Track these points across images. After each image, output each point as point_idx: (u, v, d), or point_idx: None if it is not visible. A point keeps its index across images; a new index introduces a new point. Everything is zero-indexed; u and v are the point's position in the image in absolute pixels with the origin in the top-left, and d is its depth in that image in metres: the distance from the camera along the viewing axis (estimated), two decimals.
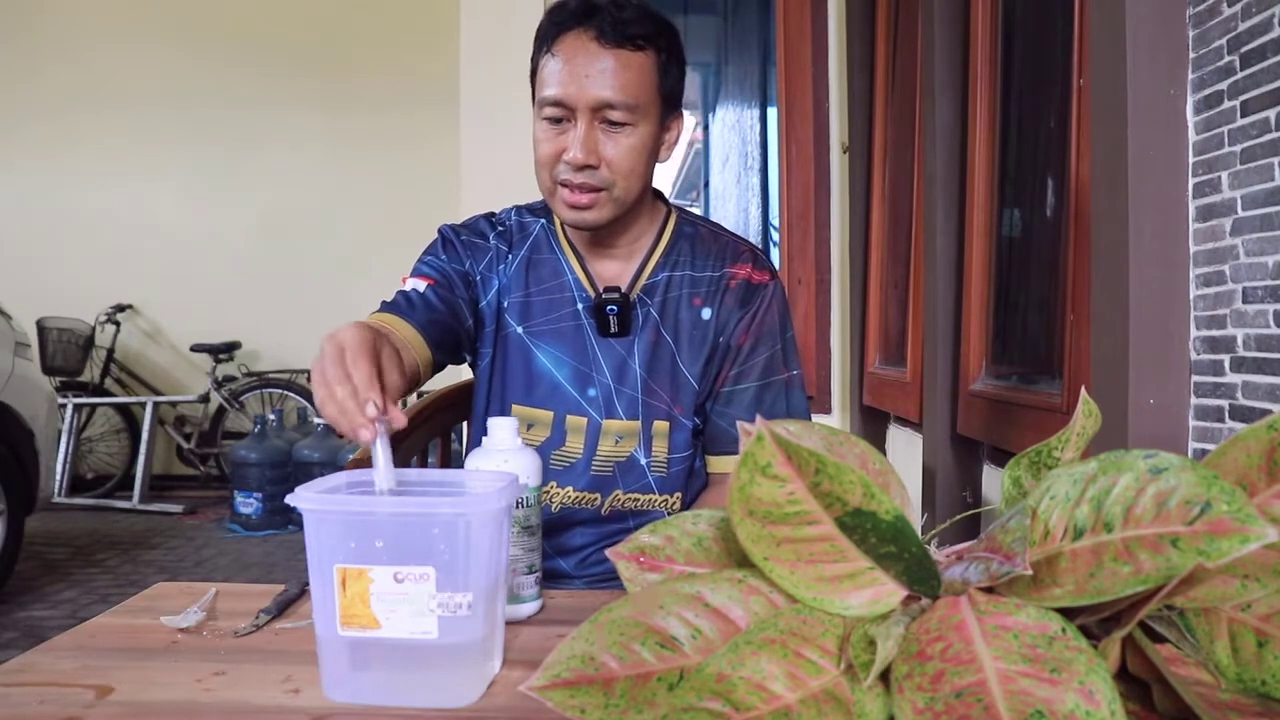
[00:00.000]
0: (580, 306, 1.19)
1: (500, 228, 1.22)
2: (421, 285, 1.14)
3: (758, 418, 0.55)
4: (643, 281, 1.19)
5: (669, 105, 1.13)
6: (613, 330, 1.17)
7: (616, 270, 1.20)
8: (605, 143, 1.08)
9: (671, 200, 1.28)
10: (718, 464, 1.21)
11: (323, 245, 5.58)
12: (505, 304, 1.19)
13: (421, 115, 5.37)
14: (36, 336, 4.92)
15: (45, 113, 5.62)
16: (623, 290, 1.17)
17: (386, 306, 1.12)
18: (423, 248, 1.23)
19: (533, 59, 1.13)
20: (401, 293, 1.14)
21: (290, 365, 5.47)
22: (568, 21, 1.08)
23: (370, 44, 5.55)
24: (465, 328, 1.17)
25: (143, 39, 5.62)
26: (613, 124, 1.07)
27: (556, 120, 1.08)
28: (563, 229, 1.21)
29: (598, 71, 1.05)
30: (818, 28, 2.78)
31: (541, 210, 1.24)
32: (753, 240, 3.29)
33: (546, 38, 1.10)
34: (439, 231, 1.23)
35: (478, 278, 1.19)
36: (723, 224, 1.31)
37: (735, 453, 1.13)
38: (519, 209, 1.25)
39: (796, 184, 2.79)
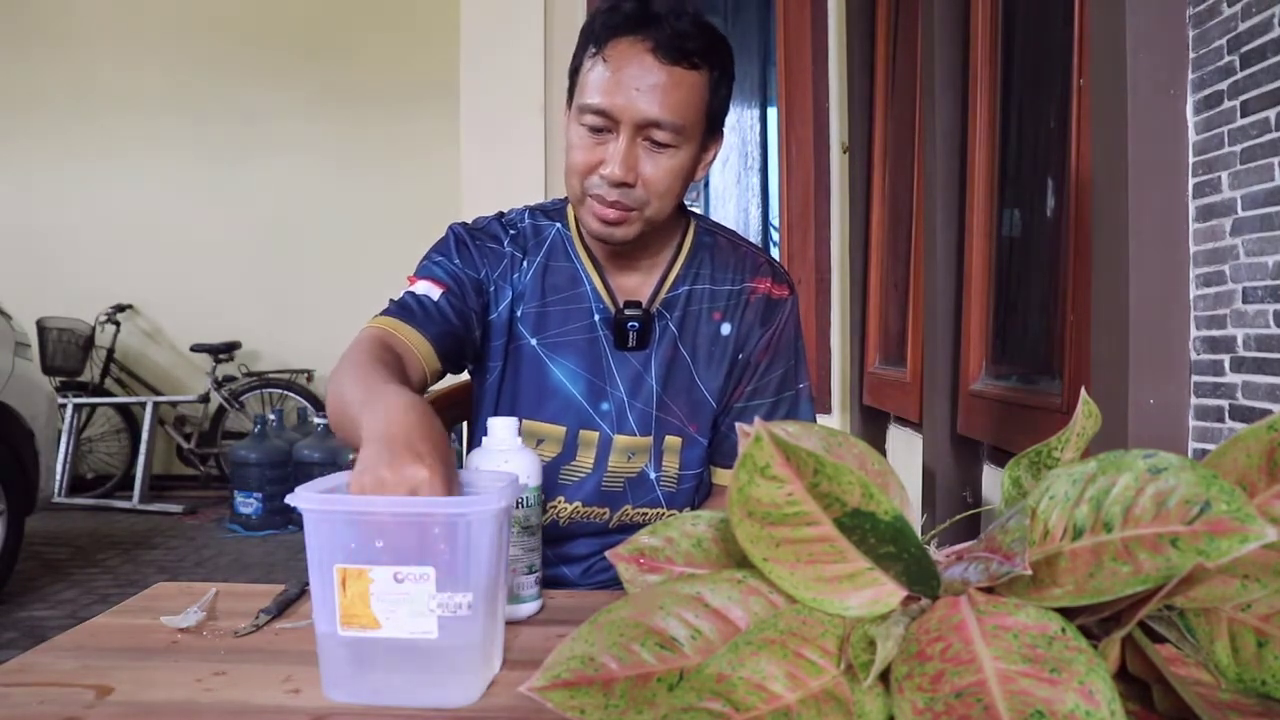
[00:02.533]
0: (598, 319, 1.14)
1: (513, 231, 1.16)
2: (435, 293, 1.07)
3: (756, 419, 0.55)
4: (663, 295, 1.15)
5: (712, 126, 1.08)
6: (630, 344, 1.13)
7: (636, 283, 1.16)
8: (645, 161, 1.02)
9: None
10: (723, 476, 1.19)
11: (323, 245, 5.57)
12: (519, 314, 1.14)
13: (421, 114, 5.37)
14: (36, 336, 4.92)
15: (46, 113, 5.62)
16: (643, 305, 1.14)
17: (396, 310, 1.06)
18: (423, 247, 1.17)
19: (575, 57, 1.06)
20: (411, 295, 1.08)
21: (290, 365, 5.47)
22: (622, 26, 1.01)
23: (370, 43, 5.54)
24: (473, 338, 1.12)
25: (143, 40, 5.62)
26: (656, 143, 1.01)
27: (597, 129, 1.02)
28: (580, 235, 1.16)
29: (649, 87, 0.99)
30: (818, 28, 2.78)
31: (556, 213, 1.18)
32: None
33: (596, 39, 1.03)
34: (451, 230, 1.16)
35: (491, 287, 1.13)
36: (722, 224, 1.31)
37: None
38: (531, 210, 1.19)
39: (796, 184, 2.79)
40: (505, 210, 1.20)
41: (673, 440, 1.16)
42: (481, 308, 1.12)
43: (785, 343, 1.19)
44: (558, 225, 1.17)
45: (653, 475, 1.16)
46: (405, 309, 1.06)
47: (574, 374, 1.14)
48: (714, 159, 1.13)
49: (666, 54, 0.99)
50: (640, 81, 0.99)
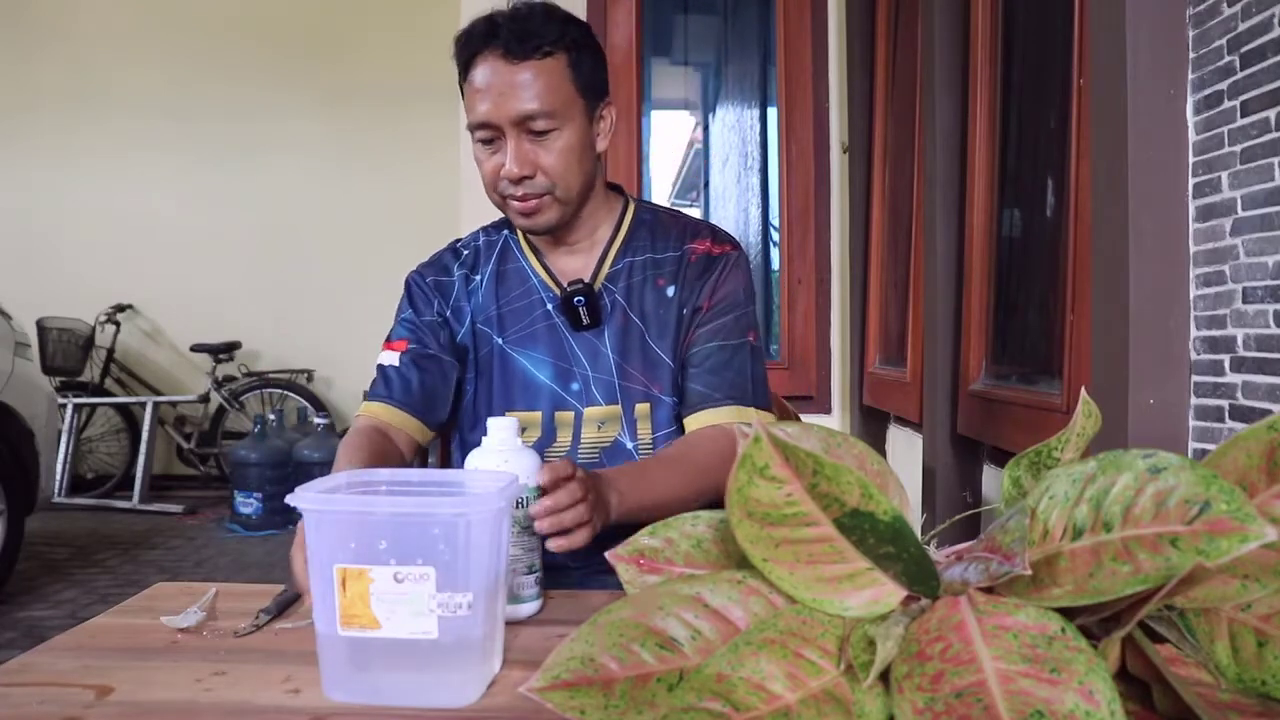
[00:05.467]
0: (550, 306, 1.22)
1: (465, 253, 1.27)
2: (394, 358, 1.20)
3: (755, 420, 0.55)
4: (605, 271, 1.22)
5: (593, 97, 1.15)
6: (585, 323, 1.20)
7: (579, 265, 1.23)
8: (537, 151, 1.11)
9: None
10: (691, 423, 1.20)
11: (323, 245, 5.57)
12: (482, 321, 1.23)
13: (422, 114, 5.36)
14: (36, 336, 4.91)
15: (46, 114, 5.61)
16: (586, 281, 1.20)
17: (371, 394, 1.20)
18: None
19: (459, 84, 1.16)
20: (380, 371, 1.21)
21: (290, 365, 5.47)
22: (475, 44, 1.11)
23: (371, 43, 5.54)
24: (451, 371, 1.22)
25: (143, 40, 5.62)
26: (538, 133, 1.10)
27: (489, 140, 1.12)
28: (524, 235, 1.25)
29: (510, 88, 1.08)
30: (818, 28, 2.78)
31: (505, 223, 1.27)
32: (753, 240, 3.29)
33: (461, 65, 1.13)
34: (405, 282, 1.27)
35: (449, 313, 1.24)
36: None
37: (704, 408, 1.17)
38: (485, 229, 1.30)
39: (796, 184, 2.79)
40: (462, 236, 1.31)
41: (642, 408, 1.21)
42: (449, 338, 1.23)
43: (730, 291, 1.22)
44: (505, 232, 1.28)
45: (629, 445, 1.20)
46: (377, 389, 1.20)
47: (540, 362, 1.21)
48: (612, 125, 1.19)
49: (517, 53, 1.08)
50: (503, 86, 1.09)
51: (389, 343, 1.23)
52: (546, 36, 1.09)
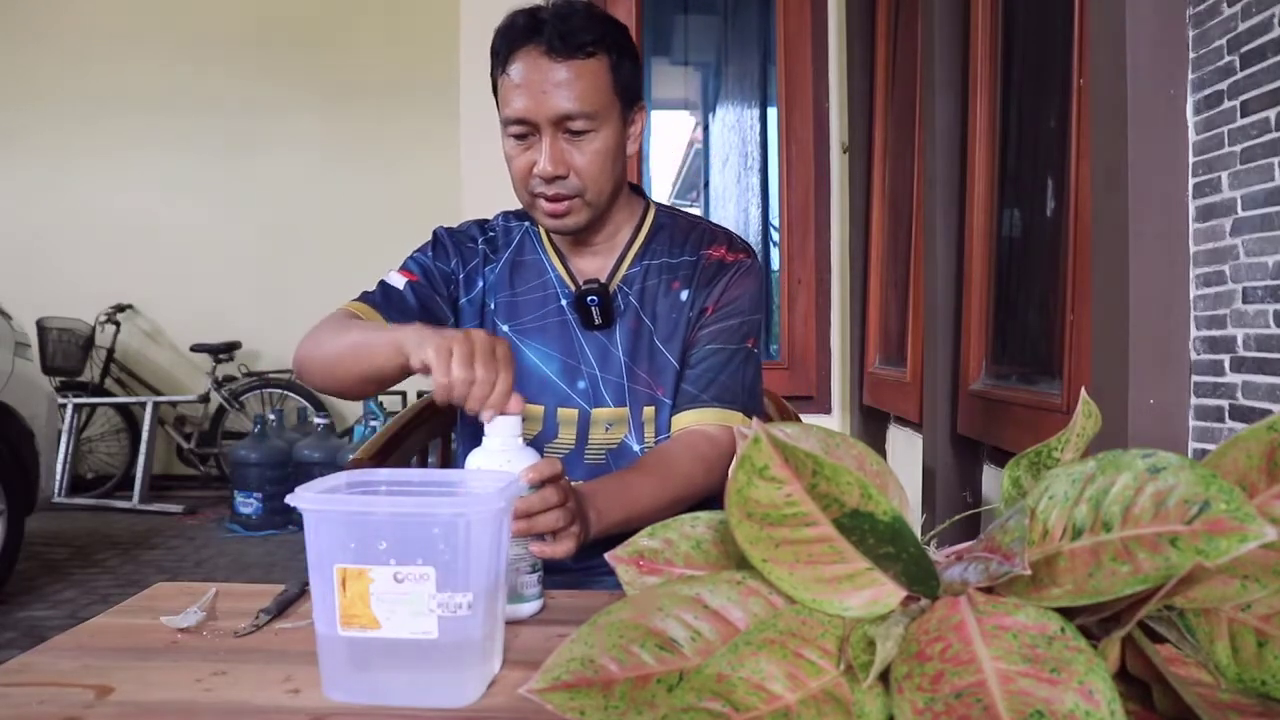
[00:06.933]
0: (564, 303, 1.21)
1: (490, 233, 1.27)
2: (401, 281, 1.19)
3: (755, 421, 0.55)
4: (622, 273, 1.22)
5: (628, 101, 1.15)
6: (597, 322, 1.19)
7: (597, 265, 1.23)
8: (571, 152, 1.11)
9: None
10: (676, 422, 1.20)
11: (323, 245, 5.57)
12: (492, 305, 1.23)
13: (422, 113, 5.37)
14: (36, 336, 4.91)
15: (46, 113, 5.62)
16: (602, 282, 1.20)
17: (364, 296, 1.18)
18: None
19: (491, 75, 1.15)
20: (382, 284, 1.20)
21: (290, 365, 5.47)
22: (518, 39, 1.10)
23: (371, 43, 5.55)
24: (446, 325, 1.19)
25: (143, 40, 5.62)
26: (575, 133, 1.10)
27: (522, 136, 1.11)
28: (545, 230, 1.25)
29: (553, 85, 1.08)
30: (818, 28, 2.78)
31: (526, 214, 1.27)
32: (753, 240, 3.28)
33: (500, 57, 1.12)
34: (433, 232, 1.27)
35: (461, 276, 1.23)
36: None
37: (690, 408, 1.17)
38: (505, 215, 1.30)
39: (796, 184, 2.79)
40: (488, 217, 1.30)
41: (649, 411, 1.20)
42: (450, 297, 1.22)
43: (736, 296, 1.21)
44: (526, 224, 1.28)
45: (636, 447, 1.20)
46: (370, 296, 1.18)
47: (546, 355, 1.20)
48: (642, 130, 1.20)
49: (560, 52, 1.08)
50: (544, 83, 1.08)
51: (398, 270, 1.22)
52: (590, 36, 1.09)
